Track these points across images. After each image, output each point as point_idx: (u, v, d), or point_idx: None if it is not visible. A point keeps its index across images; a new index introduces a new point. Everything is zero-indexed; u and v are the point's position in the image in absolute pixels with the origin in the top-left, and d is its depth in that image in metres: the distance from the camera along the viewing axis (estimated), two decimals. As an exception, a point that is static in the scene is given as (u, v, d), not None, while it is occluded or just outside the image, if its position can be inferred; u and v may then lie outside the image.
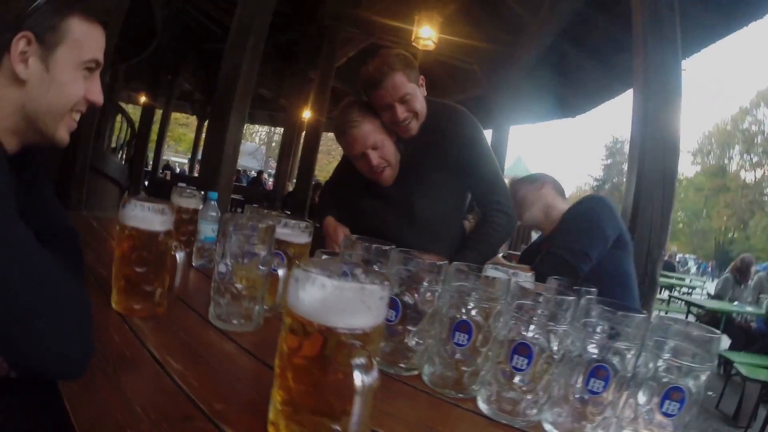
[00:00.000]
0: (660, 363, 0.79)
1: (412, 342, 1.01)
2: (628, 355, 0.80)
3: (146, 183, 11.25)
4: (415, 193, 1.93)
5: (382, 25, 7.07)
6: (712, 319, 6.02)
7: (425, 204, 1.93)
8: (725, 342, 5.96)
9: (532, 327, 0.85)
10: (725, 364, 5.34)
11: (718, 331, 0.79)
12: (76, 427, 0.62)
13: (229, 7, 8.05)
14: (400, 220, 1.93)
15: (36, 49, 0.86)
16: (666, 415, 0.77)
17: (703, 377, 0.78)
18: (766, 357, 4.75)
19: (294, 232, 1.34)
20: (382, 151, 1.88)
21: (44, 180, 1.07)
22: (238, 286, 1.08)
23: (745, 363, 4.36)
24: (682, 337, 0.78)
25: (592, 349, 0.82)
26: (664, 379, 0.78)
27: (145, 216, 1.05)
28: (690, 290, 11.24)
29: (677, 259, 26.19)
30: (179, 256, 1.09)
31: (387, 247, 1.11)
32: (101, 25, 0.96)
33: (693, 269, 24.69)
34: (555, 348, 0.84)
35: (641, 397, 0.80)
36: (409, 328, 1.00)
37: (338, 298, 0.60)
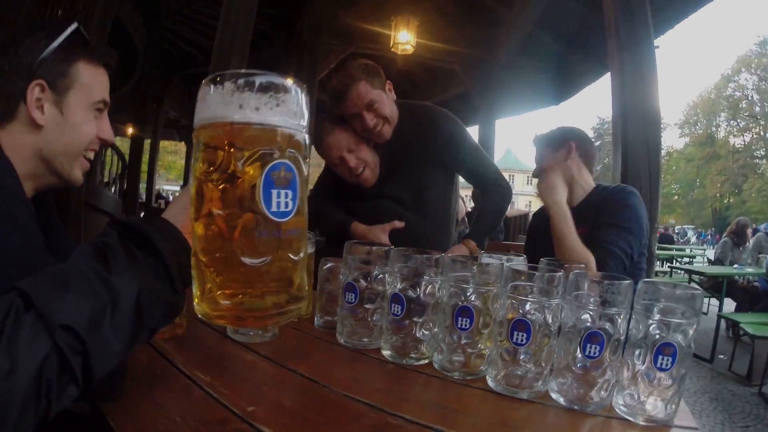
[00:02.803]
0: (650, 323, 0.85)
1: (419, 333, 1.07)
2: (619, 319, 0.87)
3: (142, 214, 11.27)
4: (403, 191, 2.04)
5: (361, 33, 7.14)
6: (714, 284, 6.10)
7: (414, 198, 2.04)
8: (731, 305, 6.04)
9: (527, 305, 0.91)
10: (733, 326, 5.43)
11: (699, 288, 0.86)
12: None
13: (208, 30, 8.12)
14: (392, 217, 1.99)
15: (49, 95, 0.93)
16: (660, 369, 0.84)
17: (691, 331, 0.84)
18: (771, 314, 4.79)
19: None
20: (358, 154, 1.98)
21: (57, 220, 1.14)
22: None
23: (751, 323, 4.44)
24: (667, 297, 0.85)
25: (585, 318, 0.89)
26: (655, 337, 0.84)
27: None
28: (691, 259, 11.35)
29: (676, 231, 26.38)
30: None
31: (386, 248, 1.18)
32: (105, 68, 1.03)
33: (693, 239, 24.81)
34: (550, 321, 0.91)
35: (636, 358, 0.87)
36: (415, 320, 1.06)
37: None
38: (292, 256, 0.60)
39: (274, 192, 0.56)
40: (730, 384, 4.46)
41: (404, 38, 6.19)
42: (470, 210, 5.67)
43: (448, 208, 2.17)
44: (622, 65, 3.34)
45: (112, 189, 8.79)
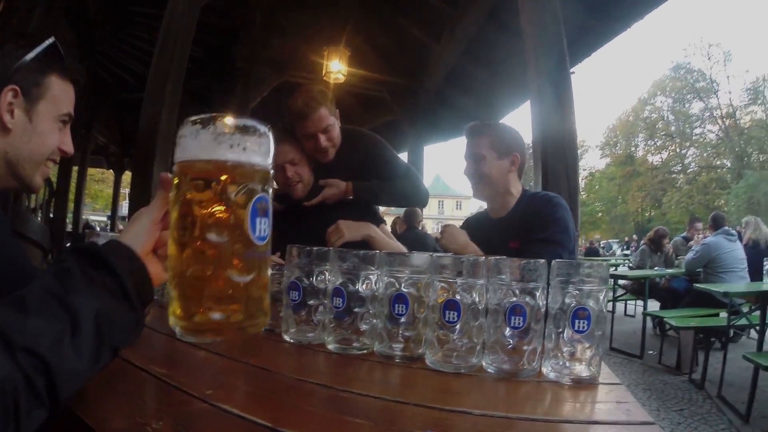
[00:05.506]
0: (565, 293, 0.97)
1: (360, 325, 1.14)
2: (537, 293, 0.99)
3: (68, 244, 10.68)
4: (338, 210, 2.12)
5: (294, 63, 7.25)
6: (637, 287, 6.49)
7: (343, 218, 2.09)
8: (655, 306, 6.45)
9: (456, 286, 1.01)
10: (659, 324, 5.80)
11: (603, 262, 1.00)
12: (90, 424, 0.69)
13: (142, 55, 7.98)
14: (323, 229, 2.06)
15: (21, 102, 0.97)
16: (578, 332, 0.96)
17: (601, 297, 0.97)
18: (694, 309, 5.22)
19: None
20: (297, 168, 2.15)
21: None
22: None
23: (675, 317, 4.80)
24: (577, 270, 0.97)
25: (508, 295, 0.99)
26: (571, 304, 0.96)
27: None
28: (615, 268, 11.98)
29: (602, 245, 27.74)
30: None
31: (325, 249, 1.24)
32: (73, 84, 1.08)
33: (618, 252, 26.20)
34: (477, 300, 1.01)
35: (557, 326, 0.98)
36: (356, 311, 1.13)
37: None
38: (265, 274, 0.69)
39: (258, 220, 0.65)
40: (661, 375, 4.78)
41: (336, 68, 6.41)
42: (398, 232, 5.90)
43: (375, 219, 2.27)
44: (541, 92, 3.58)
45: (38, 216, 8.35)
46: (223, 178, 0.63)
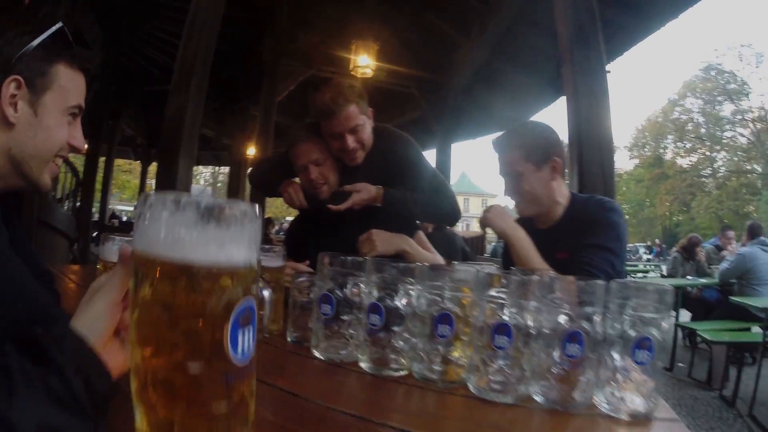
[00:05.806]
0: (625, 319, 0.88)
1: (397, 344, 1.06)
2: (596, 318, 0.89)
3: (94, 234, 10.85)
4: (367, 215, 2.00)
5: (321, 57, 7.21)
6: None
7: (376, 224, 1.96)
8: (686, 316, 6.26)
9: (506, 308, 0.92)
10: (690, 335, 5.66)
11: (668, 285, 0.89)
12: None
13: (168, 47, 8.03)
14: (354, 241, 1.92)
15: (25, 94, 0.88)
16: (639, 363, 0.87)
17: (665, 325, 0.87)
18: (726, 321, 5.04)
19: (267, 257, 1.37)
20: (321, 169, 2.00)
21: (17, 223, 1.08)
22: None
23: (708, 330, 4.62)
24: (639, 294, 0.88)
25: (563, 319, 0.90)
26: (632, 333, 0.87)
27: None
28: (644, 275, 11.69)
29: (628, 249, 27.26)
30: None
31: (360, 259, 1.16)
32: (83, 73, 0.99)
33: (645, 257, 25.68)
34: (530, 323, 0.92)
35: (614, 355, 0.89)
36: (394, 329, 1.06)
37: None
38: (249, 389, 0.56)
39: (240, 335, 0.52)
40: (691, 389, 4.63)
41: (364, 62, 6.32)
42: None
43: (410, 225, 2.14)
44: (577, 90, 3.48)
45: (65, 206, 8.47)
46: (194, 283, 0.49)
